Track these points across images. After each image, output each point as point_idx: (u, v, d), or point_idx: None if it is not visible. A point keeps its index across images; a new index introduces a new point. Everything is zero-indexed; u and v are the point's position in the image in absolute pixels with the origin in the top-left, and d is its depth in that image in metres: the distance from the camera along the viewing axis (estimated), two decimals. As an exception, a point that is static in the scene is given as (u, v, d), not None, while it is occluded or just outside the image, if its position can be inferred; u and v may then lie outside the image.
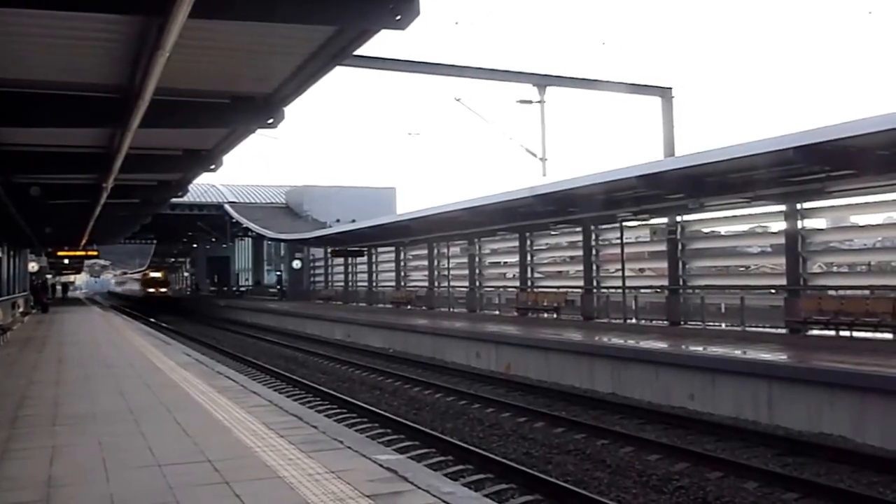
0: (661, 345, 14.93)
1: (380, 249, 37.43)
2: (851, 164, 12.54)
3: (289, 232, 45.71)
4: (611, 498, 7.95)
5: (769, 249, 20.11)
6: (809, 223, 15.74)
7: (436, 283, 31.33)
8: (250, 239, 55.57)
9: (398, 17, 7.41)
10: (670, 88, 20.82)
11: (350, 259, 39.32)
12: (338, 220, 45.11)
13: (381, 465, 5.89)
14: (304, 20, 7.75)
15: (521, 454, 9.96)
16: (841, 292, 15.48)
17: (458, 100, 21.47)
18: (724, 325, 17.73)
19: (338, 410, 13.40)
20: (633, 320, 19.76)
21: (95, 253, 45.18)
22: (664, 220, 18.63)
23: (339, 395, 14.63)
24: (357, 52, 9.70)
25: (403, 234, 29.67)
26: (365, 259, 38.30)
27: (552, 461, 9.59)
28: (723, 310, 18.97)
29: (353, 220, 38.96)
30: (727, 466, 8.96)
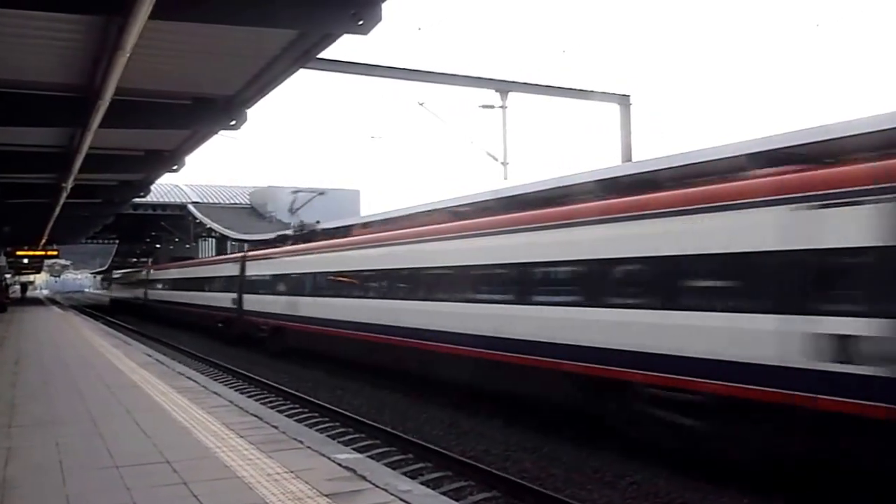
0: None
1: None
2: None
3: (253, 232, 45.32)
4: (566, 494, 8.13)
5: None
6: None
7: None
8: (214, 239, 54.92)
9: (360, 23, 7.55)
10: (628, 96, 21.34)
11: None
12: (301, 222, 44.87)
13: (340, 465, 5.99)
14: (266, 24, 7.82)
15: (480, 452, 10.10)
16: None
17: (421, 104, 21.64)
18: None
19: (299, 410, 13.44)
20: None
21: (55, 252, 44.47)
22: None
23: (300, 394, 14.65)
24: (321, 56, 9.79)
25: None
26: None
27: (510, 458, 9.76)
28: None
29: (318, 222, 38.80)
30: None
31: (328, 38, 8.36)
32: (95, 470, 5.92)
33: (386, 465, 7.80)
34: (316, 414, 13.04)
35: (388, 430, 11.21)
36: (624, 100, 21.15)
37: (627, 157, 20.25)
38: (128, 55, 7.30)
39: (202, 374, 14.29)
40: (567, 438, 10.47)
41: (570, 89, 21.07)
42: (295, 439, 6.96)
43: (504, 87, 20.10)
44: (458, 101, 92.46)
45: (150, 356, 15.03)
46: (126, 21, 6.58)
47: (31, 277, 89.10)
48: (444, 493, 6.84)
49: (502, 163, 20.38)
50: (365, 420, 11.95)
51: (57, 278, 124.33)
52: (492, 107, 19.87)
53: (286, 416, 10.82)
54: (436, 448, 10.00)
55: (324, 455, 6.34)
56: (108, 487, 5.42)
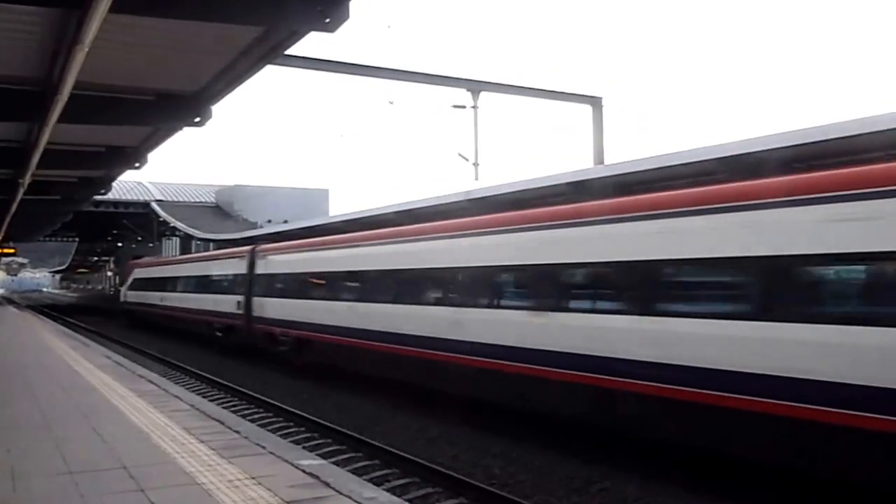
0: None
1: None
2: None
3: (219, 232, 44.78)
4: (535, 500, 8.06)
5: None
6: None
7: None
8: (178, 238, 54.18)
9: (327, 20, 7.44)
10: (600, 98, 21.38)
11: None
12: (269, 221, 44.47)
13: (303, 471, 5.87)
14: (231, 20, 7.67)
15: (448, 458, 10.00)
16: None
17: (391, 103, 21.47)
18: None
19: (263, 414, 13.21)
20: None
21: (12, 250, 43.50)
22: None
23: (265, 398, 14.41)
24: (289, 52, 9.65)
25: (337, 235, 29.07)
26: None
27: (479, 464, 9.66)
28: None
29: (286, 221, 38.46)
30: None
31: (294, 36, 8.23)
32: (48, 477, 5.72)
33: (351, 471, 7.64)
34: (280, 419, 12.82)
35: (355, 435, 11.03)
36: (596, 101, 21.21)
37: (600, 159, 20.30)
38: (87, 50, 7.07)
39: (163, 376, 13.98)
40: (537, 444, 10.41)
41: (543, 90, 21.08)
42: (257, 445, 6.82)
43: (476, 86, 19.99)
44: (431, 99, 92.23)
45: (109, 358, 14.71)
46: (85, 14, 6.37)
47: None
48: (410, 500, 6.74)
49: (473, 163, 20.30)
50: (331, 425, 11.76)
51: (14, 277, 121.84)
52: (463, 107, 19.76)
53: (249, 420, 10.65)
54: (403, 454, 9.86)
55: (287, 461, 6.21)
56: (61, 495, 5.25)
